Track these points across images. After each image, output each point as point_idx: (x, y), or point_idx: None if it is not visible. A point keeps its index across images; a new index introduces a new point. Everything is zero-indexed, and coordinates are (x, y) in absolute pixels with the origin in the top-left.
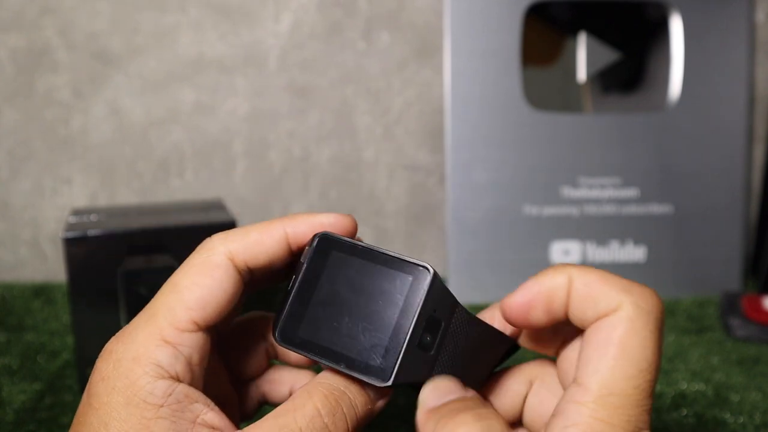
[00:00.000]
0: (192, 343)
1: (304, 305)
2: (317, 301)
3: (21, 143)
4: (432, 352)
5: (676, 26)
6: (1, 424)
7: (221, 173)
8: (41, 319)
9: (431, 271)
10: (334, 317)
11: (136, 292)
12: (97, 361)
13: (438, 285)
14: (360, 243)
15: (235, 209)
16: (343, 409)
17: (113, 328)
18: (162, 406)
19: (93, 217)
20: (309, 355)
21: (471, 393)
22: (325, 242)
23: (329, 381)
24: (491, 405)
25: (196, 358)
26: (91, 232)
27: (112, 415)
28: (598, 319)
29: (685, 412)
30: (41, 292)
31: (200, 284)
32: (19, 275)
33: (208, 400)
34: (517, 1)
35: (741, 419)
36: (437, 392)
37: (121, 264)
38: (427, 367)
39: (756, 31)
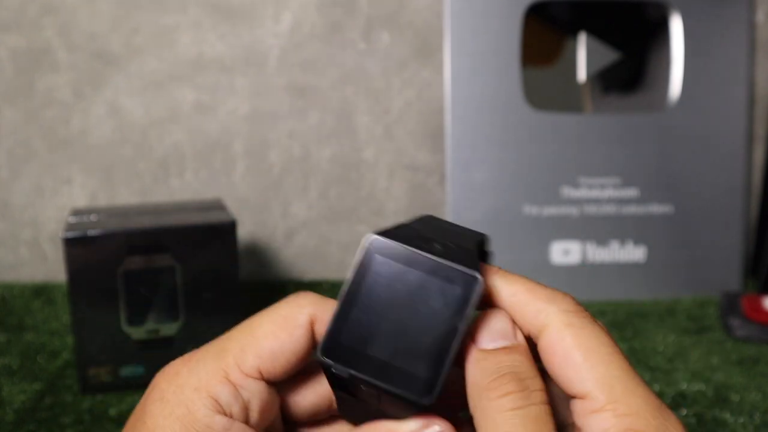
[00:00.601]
0: (253, 390)
1: (347, 315)
2: (361, 310)
3: (21, 143)
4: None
5: (676, 26)
6: (1, 424)
7: (221, 173)
8: (41, 319)
9: (480, 280)
10: (377, 325)
11: (136, 292)
12: (157, 376)
13: (483, 290)
14: (407, 247)
15: (235, 209)
16: None
17: (113, 328)
18: None
19: (93, 217)
20: (345, 371)
21: (520, 338)
22: (371, 247)
23: None
24: (533, 362)
25: (255, 405)
26: (91, 232)
27: None
28: (528, 331)
29: (685, 412)
30: (41, 292)
31: (278, 337)
32: (19, 275)
33: None
34: (517, 1)
35: (741, 419)
36: (491, 333)
37: (121, 264)
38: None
39: (756, 32)
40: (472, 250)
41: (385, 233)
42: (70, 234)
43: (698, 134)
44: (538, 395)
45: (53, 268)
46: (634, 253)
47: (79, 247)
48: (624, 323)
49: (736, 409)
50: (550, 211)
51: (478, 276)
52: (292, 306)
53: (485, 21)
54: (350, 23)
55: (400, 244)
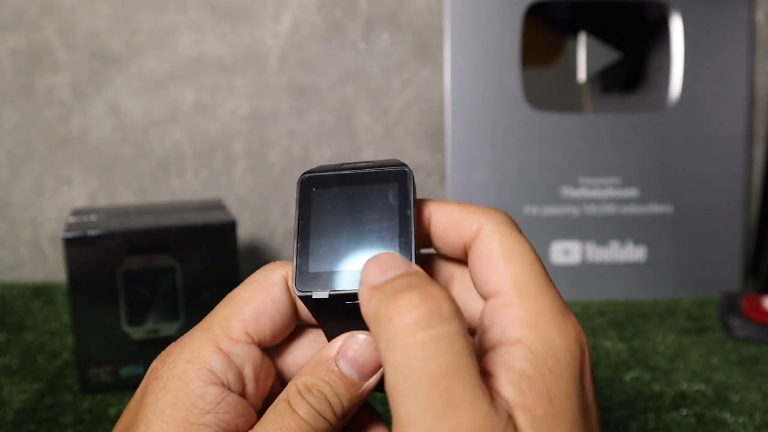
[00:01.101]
0: (245, 354)
1: (307, 247)
2: (317, 238)
3: (21, 143)
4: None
5: (676, 26)
6: (1, 424)
7: (221, 173)
8: (41, 319)
9: (409, 169)
10: (338, 244)
11: (136, 292)
12: (153, 362)
13: (412, 178)
14: (337, 172)
15: (235, 209)
16: (327, 405)
17: (113, 328)
18: (208, 412)
19: (93, 217)
20: (324, 293)
21: (416, 268)
22: (306, 183)
23: (305, 379)
24: (437, 282)
25: (249, 371)
26: (91, 232)
27: (156, 413)
28: (464, 242)
29: (685, 412)
30: (41, 292)
31: (256, 299)
32: (19, 275)
33: (254, 418)
34: (517, 1)
35: (741, 419)
36: (380, 267)
37: (120, 264)
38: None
39: (756, 32)
40: (393, 159)
41: (312, 170)
42: (70, 234)
43: (698, 134)
44: (447, 308)
45: (53, 268)
46: (634, 253)
47: (79, 247)
48: (624, 323)
49: (736, 409)
50: (550, 211)
51: (407, 167)
52: (264, 271)
53: (485, 21)
54: (350, 23)
55: (331, 172)
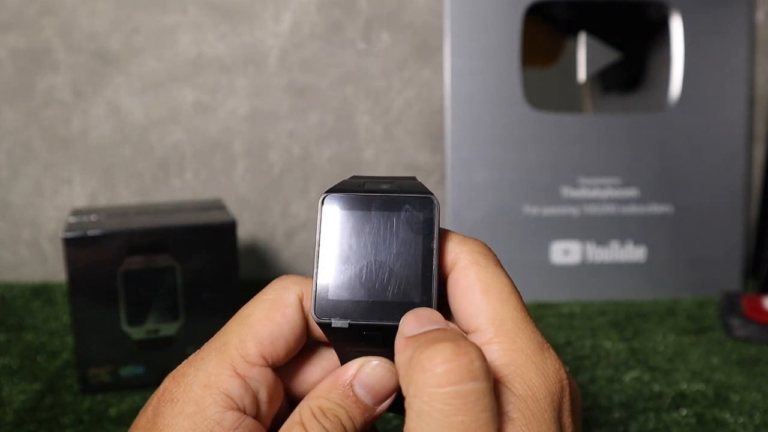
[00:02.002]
0: (261, 378)
1: (327, 272)
2: (338, 264)
3: (21, 143)
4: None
5: (676, 26)
6: (1, 424)
7: (221, 173)
8: (41, 319)
9: (435, 198)
10: (360, 272)
11: (136, 292)
12: (165, 380)
13: (439, 210)
14: (361, 194)
15: (235, 209)
16: (339, 429)
17: (113, 328)
18: None
19: (93, 217)
20: (344, 322)
21: (452, 326)
22: (328, 204)
23: (319, 402)
24: (470, 340)
25: (263, 395)
26: (91, 232)
27: None
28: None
29: (685, 412)
30: (41, 292)
31: (272, 320)
32: (19, 275)
33: None
34: (517, 1)
35: (741, 419)
36: (418, 321)
37: (121, 264)
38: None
39: (756, 32)
40: (414, 179)
41: (335, 188)
42: (70, 234)
43: (698, 134)
44: (479, 364)
45: (53, 268)
46: (634, 253)
47: (79, 247)
48: (624, 323)
49: (736, 409)
50: (550, 211)
51: (433, 196)
52: (278, 289)
53: (485, 21)
54: (350, 23)
55: (354, 193)
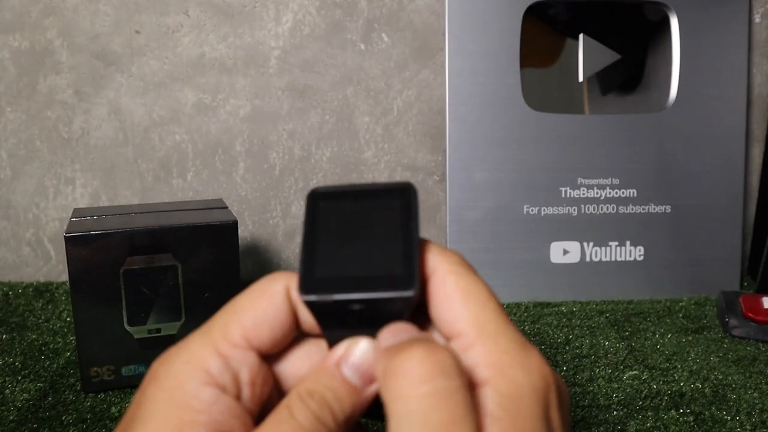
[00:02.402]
0: (242, 359)
1: (313, 254)
2: (323, 246)
3: (23, 143)
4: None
5: (674, 28)
6: (3, 423)
7: (222, 173)
8: (44, 319)
9: (413, 186)
10: (343, 253)
11: (138, 292)
12: (152, 363)
13: (417, 196)
14: (345, 187)
15: (236, 209)
16: (328, 412)
17: (115, 327)
18: (203, 412)
19: (95, 217)
20: (329, 297)
21: (427, 334)
22: (314, 197)
23: (307, 385)
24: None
25: (245, 375)
26: (93, 232)
27: (151, 411)
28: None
29: (683, 410)
30: (43, 291)
31: (257, 306)
32: (21, 275)
33: (249, 422)
34: (517, 2)
35: (739, 418)
36: (392, 333)
37: (122, 263)
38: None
39: (753, 33)
40: (398, 181)
41: (321, 187)
42: (72, 234)
43: (696, 134)
44: (449, 363)
45: (55, 268)
46: (632, 253)
47: (81, 246)
48: (623, 322)
49: (733, 408)
50: (550, 211)
51: (411, 184)
52: (267, 280)
53: (485, 22)
54: (350, 24)
55: (339, 186)
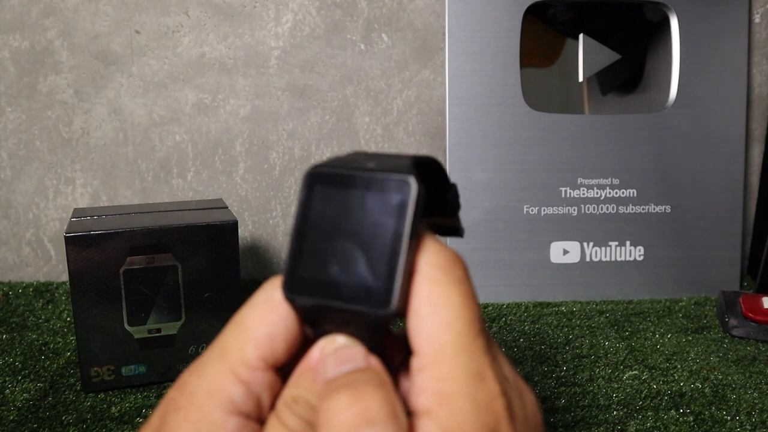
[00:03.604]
0: (262, 382)
1: (301, 250)
2: (312, 241)
3: (23, 143)
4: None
5: (674, 28)
6: (4, 423)
7: (222, 173)
8: (44, 319)
9: (412, 181)
10: (332, 251)
11: (138, 292)
12: (169, 390)
13: (421, 194)
14: (342, 170)
15: (236, 209)
16: (314, 414)
17: (115, 327)
18: None
19: (95, 217)
20: (308, 300)
21: (373, 361)
22: (309, 179)
23: (290, 391)
24: (389, 379)
25: (266, 398)
26: (93, 232)
27: None
28: None
29: (683, 410)
30: (44, 291)
31: (267, 321)
32: (21, 275)
33: None
34: (517, 2)
35: (739, 418)
36: (336, 360)
37: (122, 263)
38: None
39: (753, 33)
40: (405, 161)
41: (321, 164)
42: (73, 234)
43: (696, 135)
44: (375, 409)
45: (56, 268)
46: (632, 253)
47: (82, 246)
48: (622, 322)
49: (733, 408)
50: (550, 211)
51: (410, 179)
52: (269, 289)
53: (485, 22)
54: (350, 24)
55: (335, 169)
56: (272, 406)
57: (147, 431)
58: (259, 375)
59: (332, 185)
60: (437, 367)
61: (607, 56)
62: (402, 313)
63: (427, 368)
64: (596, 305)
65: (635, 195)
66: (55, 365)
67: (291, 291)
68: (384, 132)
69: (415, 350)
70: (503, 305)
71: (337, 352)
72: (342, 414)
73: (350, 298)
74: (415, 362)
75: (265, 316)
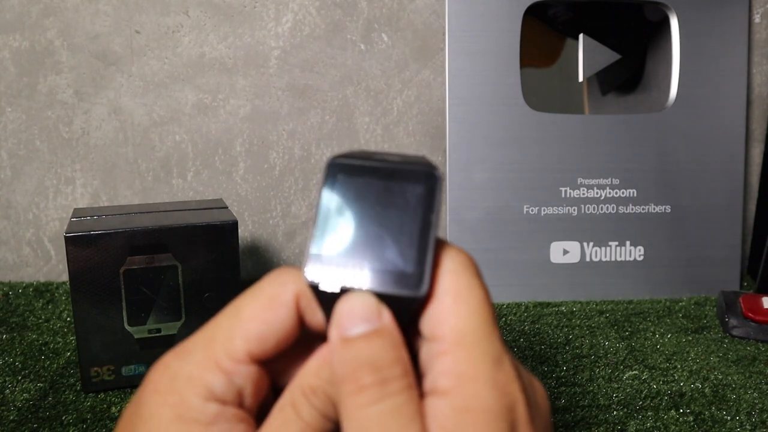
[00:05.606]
0: (246, 374)
1: (324, 235)
2: (336, 227)
3: (24, 143)
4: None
5: (674, 27)
6: (4, 423)
7: (222, 173)
8: (44, 319)
9: (438, 173)
10: (356, 237)
11: (138, 292)
12: (150, 371)
13: (442, 184)
14: (366, 161)
15: (236, 209)
16: (332, 407)
17: (115, 327)
18: (210, 423)
19: (95, 217)
20: (336, 285)
21: (386, 318)
22: (332, 169)
23: (309, 381)
24: (399, 340)
25: (249, 390)
26: (93, 232)
27: (160, 428)
28: None
29: (683, 410)
30: (44, 291)
31: (264, 319)
32: (21, 275)
33: (253, 422)
34: (517, 2)
35: (738, 418)
36: (351, 317)
37: (122, 263)
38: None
39: (753, 33)
40: (423, 157)
41: (342, 155)
42: (73, 234)
43: (696, 135)
44: (397, 384)
45: (55, 268)
46: (632, 253)
47: (82, 246)
48: (622, 322)
49: (733, 408)
50: (550, 211)
51: (436, 170)
52: (276, 284)
53: (485, 22)
54: (350, 24)
55: (359, 160)
56: (255, 395)
57: (128, 410)
58: (243, 368)
59: (355, 175)
60: (459, 351)
61: (607, 56)
62: (427, 298)
63: (450, 352)
64: (596, 305)
65: (635, 195)
66: (55, 365)
67: (315, 276)
68: (384, 132)
69: (435, 336)
70: (503, 305)
71: (350, 308)
72: (364, 386)
73: (381, 281)
74: (433, 347)
75: (263, 313)
